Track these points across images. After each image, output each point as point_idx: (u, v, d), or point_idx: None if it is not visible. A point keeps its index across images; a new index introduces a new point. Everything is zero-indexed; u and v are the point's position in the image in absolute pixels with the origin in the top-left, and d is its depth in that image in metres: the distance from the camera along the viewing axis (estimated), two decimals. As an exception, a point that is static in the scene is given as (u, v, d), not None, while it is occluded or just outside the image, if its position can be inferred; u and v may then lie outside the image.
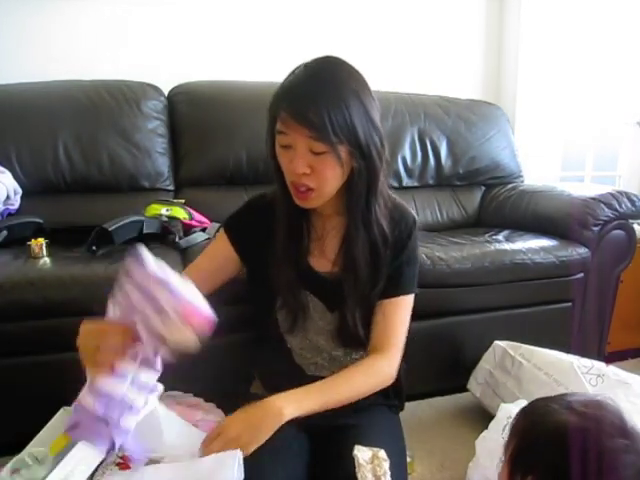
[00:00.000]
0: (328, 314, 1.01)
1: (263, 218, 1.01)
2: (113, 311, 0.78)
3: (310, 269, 1.01)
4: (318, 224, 1.02)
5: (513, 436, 0.77)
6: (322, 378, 0.98)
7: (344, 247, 0.98)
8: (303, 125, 0.83)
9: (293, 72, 0.90)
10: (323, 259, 1.01)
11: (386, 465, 0.81)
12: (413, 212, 1.05)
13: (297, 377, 1.03)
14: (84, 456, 0.77)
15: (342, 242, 0.99)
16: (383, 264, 0.98)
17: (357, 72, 0.92)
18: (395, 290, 1.01)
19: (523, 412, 0.82)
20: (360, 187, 0.92)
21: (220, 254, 1.06)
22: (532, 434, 0.74)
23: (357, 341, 1.01)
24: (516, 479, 0.72)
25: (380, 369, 0.97)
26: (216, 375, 1.18)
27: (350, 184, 0.92)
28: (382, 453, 0.83)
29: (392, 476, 0.82)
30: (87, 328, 0.80)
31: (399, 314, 1.01)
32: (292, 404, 0.86)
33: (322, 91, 0.84)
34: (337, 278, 0.99)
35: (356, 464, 0.81)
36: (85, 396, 0.78)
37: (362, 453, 0.83)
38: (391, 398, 1.08)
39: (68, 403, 1.10)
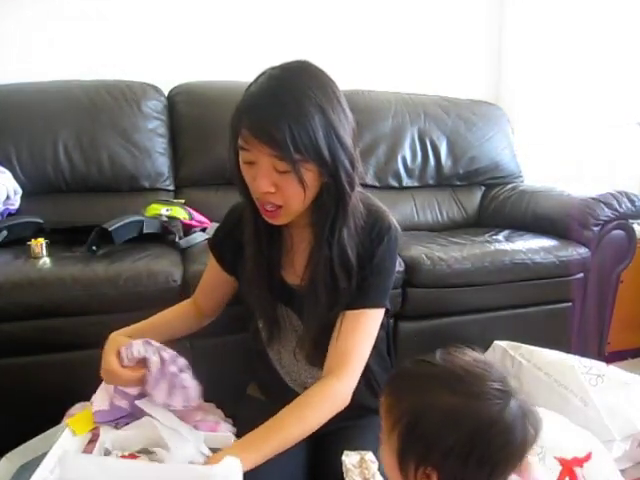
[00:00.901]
0: (299, 322, 0.99)
1: (239, 230, 0.97)
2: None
3: (283, 281, 0.98)
4: (287, 236, 0.97)
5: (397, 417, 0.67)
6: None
7: (309, 263, 0.92)
8: (265, 143, 0.78)
9: (256, 80, 0.84)
10: (292, 271, 0.97)
11: (374, 467, 0.81)
12: (394, 221, 0.95)
13: (287, 389, 1.02)
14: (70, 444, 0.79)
15: (310, 253, 0.92)
16: (342, 289, 0.90)
17: (327, 82, 0.84)
18: (358, 301, 0.91)
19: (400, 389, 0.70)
20: (328, 205, 0.86)
21: (214, 273, 1.07)
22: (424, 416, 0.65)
23: (318, 356, 0.95)
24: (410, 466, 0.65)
25: (334, 394, 0.88)
26: (216, 375, 1.18)
27: (318, 201, 0.87)
28: (370, 455, 0.82)
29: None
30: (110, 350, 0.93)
31: (360, 330, 0.91)
32: (245, 463, 0.76)
33: (284, 106, 0.78)
34: (305, 290, 0.94)
35: (344, 469, 0.81)
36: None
37: (350, 457, 0.83)
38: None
39: (68, 403, 1.11)
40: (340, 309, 0.92)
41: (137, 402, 0.92)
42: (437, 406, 0.63)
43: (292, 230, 0.96)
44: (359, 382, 0.99)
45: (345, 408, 0.92)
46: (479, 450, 0.62)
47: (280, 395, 0.98)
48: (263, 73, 0.84)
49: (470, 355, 0.69)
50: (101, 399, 0.99)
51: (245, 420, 1.01)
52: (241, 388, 1.15)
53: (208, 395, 1.08)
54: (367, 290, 0.92)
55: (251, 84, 0.84)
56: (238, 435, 0.98)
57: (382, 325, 1.00)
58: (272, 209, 0.85)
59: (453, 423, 0.62)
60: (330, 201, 0.86)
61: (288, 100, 0.78)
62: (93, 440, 0.94)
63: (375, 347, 0.97)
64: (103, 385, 1.03)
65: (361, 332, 0.92)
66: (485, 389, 0.63)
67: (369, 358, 0.95)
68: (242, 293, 1.04)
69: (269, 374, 1.05)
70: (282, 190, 0.82)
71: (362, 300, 0.92)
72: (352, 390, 0.90)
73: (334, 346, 0.91)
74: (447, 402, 0.63)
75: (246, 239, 0.94)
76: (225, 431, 0.98)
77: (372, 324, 0.94)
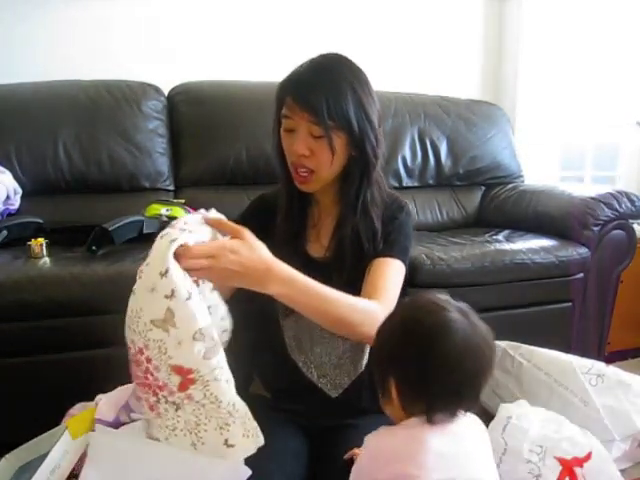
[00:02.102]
0: None
1: (264, 217, 1.03)
2: None
3: (307, 254, 1.03)
4: (315, 212, 1.05)
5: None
6: (316, 378, 1.00)
7: (336, 232, 1.01)
8: (304, 109, 0.90)
9: (300, 65, 0.98)
10: (318, 245, 1.03)
11: None
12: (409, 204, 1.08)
13: (295, 378, 1.03)
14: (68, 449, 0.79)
15: (335, 227, 1.02)
16: (367, 255, 0.98)
17: (359, 70, 0.98)
18: (384, 251, 0.98)
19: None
20: (354, 175, 0.97)
21: None
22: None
23: None
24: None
25: (372, 306, 0.90)
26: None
27: (345, 172, 0.97)
28: None
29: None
30: None
31: (390, 272, 0.97)
32: (280, 282, 0.79)
33: (322, 80, 0.92)
34: (331, 262, 1.00)
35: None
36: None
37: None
38: None
39: (68, 403, 1.11)
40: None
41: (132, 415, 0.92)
42: (393, 324, 0.77)
43: (320, 205, 1.04)
44: (361, 383, 1.00)
45: (346, 407, 0.93)
46: (424, 356, 0.72)
47: (287, 385, 0.99)
48: (305, 61, 0.99)
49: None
50: (107, 409, 0.99)
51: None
52: (242, 388, 1.15)
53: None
54: (392, 244, 1.00)
55: (295, 68, 0.97)
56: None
57: None
58: (305, 174, 0.94)
59: (404, 334, 0.74)
60: (356, 171, 0.96)
61: (326, 78, 0.93)
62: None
63: None
64: (113, 394, 1.03)
65: (389, 275, 0.97)
66: (439, 311, 0.75)
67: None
68: None
69: (276, 358, 1.04)
70: (315, 154, 0.92)
71: (388, 250, 0.99)
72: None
73: (367, 285, 0.95)
74: (398, 319, 0.77)
75: (279, 208, 1.02)
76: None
77: (397, 274, 0.99)
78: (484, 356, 0.74)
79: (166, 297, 0.67)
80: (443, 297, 0.80)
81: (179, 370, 0.69)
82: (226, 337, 0.80)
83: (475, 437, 0.77)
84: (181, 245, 0.68)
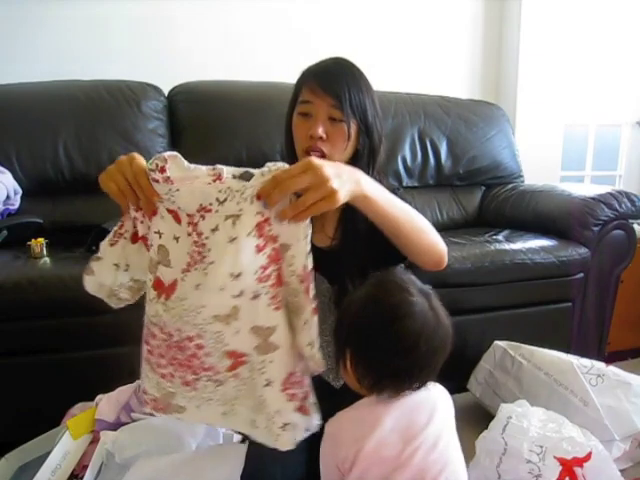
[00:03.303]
0: (329, 287, 1.03)
1: None
2: None
3: (312, 244, 1.02)
4: None
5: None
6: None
7: (343, 220, 1.03)
8: (327, 93, 0.95)
9: (321, 60, 1.03)
10: (322, 235, 1.03)
11: None
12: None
13: None
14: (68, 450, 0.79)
15: (340, 218, 1.04)
16: (374, 241, 0.96)
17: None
18: None
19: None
20: (362, 164, 0.99)
21: None
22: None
23: None
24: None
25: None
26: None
27: (353, 160, 1.00)
28: None
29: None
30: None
31: None
32: (369, 184, 0.80)
33: (344, 72, 0.99)
34: (336, 251, 1.02)
35: None
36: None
37: None
38: None
39: (68, 403, 1.11)
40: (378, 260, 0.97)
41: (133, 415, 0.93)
42: (356, 298, 0.80)
43: None
44: None
45: (349, 400, 0.93)
46: (380, 336, 0.75)
47: None
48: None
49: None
50: (107, 410, 0.99)
51: None
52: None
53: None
54: None
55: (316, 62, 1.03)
56: (243, 435, 0.98)
57: None
58: (318, 155, 0.95)
59: (364, 310, 0.77)
60: (363, 161, 1.01)
61: (347, 71, 1.00)
62: (94, 441, 0.94)
63: None
64: (113, 394, 1.03)
65: None
66: (398, 291, 0.78)
67: None
68: None
69: None
70: (331, 139, 0.96)
71: None
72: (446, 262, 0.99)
73: None
74: (363, 294, 0.80)
75: None
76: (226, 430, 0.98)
77: None
78: (440, 339, 0.78)
79: (234, 297, 0.68)
80: (408, 277, 0.83)
81: (232, 354, 0.72)
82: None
83: (434, 408, 0.80)
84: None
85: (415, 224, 0.89)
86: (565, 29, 2.49)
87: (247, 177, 0.69)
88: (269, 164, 0.69)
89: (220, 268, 0.67)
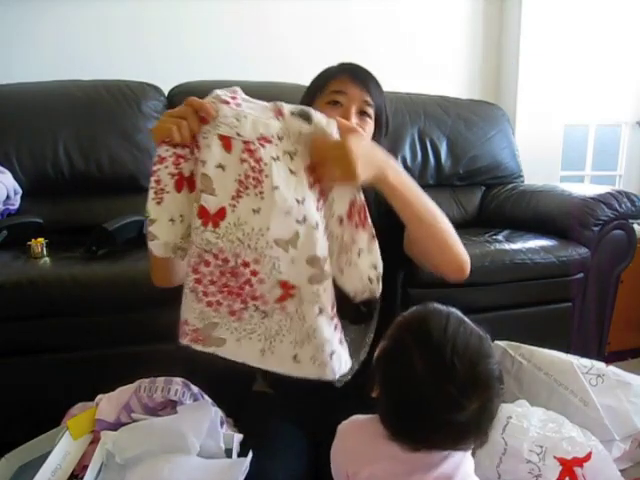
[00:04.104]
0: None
1: None
2: None
3: None
4: None
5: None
6: None
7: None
8: (363, 88, 0.97)
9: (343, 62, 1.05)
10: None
11: None
12: None
13: None
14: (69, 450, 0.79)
15: None
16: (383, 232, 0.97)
17: None
18: None
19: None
20: None
21: None
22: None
23: (361, 313, 1.01)
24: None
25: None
26: (216, 375, 1.18)
27: None
28: None
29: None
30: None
31: None
32: (397, 174, 0.82)
33: (373, 77, 1.02)
34: None
35: None
36: None
37: None
38: None
39: (68, 403, 1.11)
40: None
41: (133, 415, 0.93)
42: (405, 361, 0.68)
43: None
44: (363, 376, 1.00)
45: (349, 401, 0.93)
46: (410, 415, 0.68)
47: (296, 380, 0.99)
48: None
49: (478, 342, 0.73)
50: (108, 410, 0.99)
51: (252, 416, 1.01)
52: (243, 387, 1.15)
53: (209, 394, 1.09)
54: None
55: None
56: (244, 434, 0.98)
57: None
58: None
59: (403, 382, 0.68)
60: None
61: (374, 77, 1.02)
62: (94, 441, 0.94)
63: None
64: (113, 394, 1.03)
65: None
66: (444, 386, 0.65)
67: None
68: None
69: None
70: (361, 129, 0.95)
71: None
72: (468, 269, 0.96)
73: None
74: (413, 364, 0.67)
75: None
76: (227, 430, 0.99)
77: None
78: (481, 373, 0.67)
79: (297, 222, 0.73)
80: (454, 318, 0.76)
81: (284, 285, 0.75)
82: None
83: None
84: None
85: (438, 224, 0.88)
86: (565, 29, 2.49)
87: (305, 116, 0.76)
88: (320, 116, 0.76)
89: (287, 192, 0.72)
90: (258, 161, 0.71)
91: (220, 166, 0.71)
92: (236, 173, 0.71)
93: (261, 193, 0.71)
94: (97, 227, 1.40)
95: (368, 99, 0.97)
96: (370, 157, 0.78)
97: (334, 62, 1.09)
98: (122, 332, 1.26)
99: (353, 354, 1.04)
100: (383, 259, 0.92)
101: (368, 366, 1.04)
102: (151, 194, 0.73)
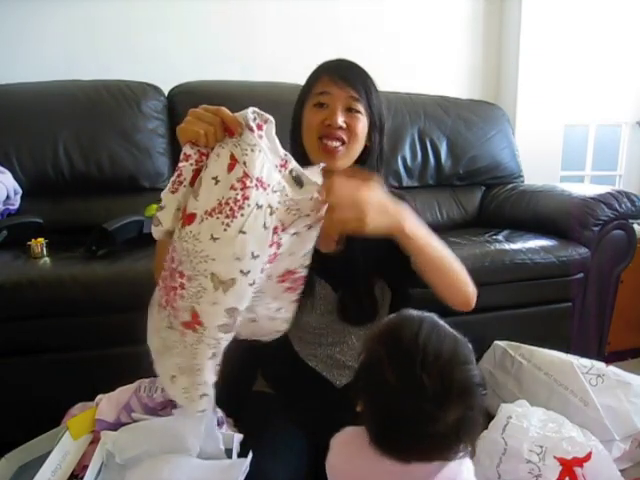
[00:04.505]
0: (332, 294, 1.02)
1: None
2: None
3: (315, 250, 1.02)
4: None
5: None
6: (318, 367, 1.01)
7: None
8: (346, 85, 0.95)
9: (331, 59, 1.03)
10: (327, 240, 1.01)
11: None
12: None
13: (300, 371, 1.03)
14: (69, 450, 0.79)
15: None
16: (379, 245, 0.97)
17: None
18: None
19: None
20: (372, 162, 1.01)
21: None
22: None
23: (364, 315, 1.02)
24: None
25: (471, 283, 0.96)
26: (218, 374, 1.18)
27: (364, 157, 1.01)
28: None
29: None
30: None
31: None
32: (413, 223, 0.84)
33: (360, 70, 1.00)
34: (341, 257, 1.00)
35: None
36: None
37: None
38: None
39: (68, 403, 1.11)
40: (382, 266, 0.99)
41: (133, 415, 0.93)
42: (379, 373, 0.67)
43: None
44: None
45: (349, 400, 0.93)
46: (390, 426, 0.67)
47: (290, 375, 0.99)
48: None
49: (453, 347, 0.69)
50: (108, 410, 0.99)
51: (252, 416, 1.01)
52: (243, 387, 1.15)
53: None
54: None
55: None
56: (244, 434, 0.98)
57: None
58: (337, 145, 0.96)
59: (378, 395, 0.68)
60: (374, 158, 1.01)
61: (362, 70, 1.00)
62: (94, 441, 0.94)
63: None
64: (113, 394, 1.03)
65: None
66: (418, 398, 0.64)
67: None
68: None
69: (287, 358, 1.05)
70: (351, 127, 0.96)
71: None
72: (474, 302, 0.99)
73: None
74: (386, 378, 0.66)
75: None
76: (227, 430, 0.99)
77: None
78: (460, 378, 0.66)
79: (241, 272, 0.72)
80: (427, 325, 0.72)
81: (194, 316, 0.75)
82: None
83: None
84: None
85: (448, 264, 0.90)
86: (565, 29, 2.49)
87: (298, 180, 0.75)
88: (316, 193, 0.75)
89: (249, 242, 0.71)
90: (245, 198, 0.70)
91: (214, 179, 0.71)
92: (221, 194, 0.70)
93: (228, 226, 0.70)
94: (97, 227, 1.40)
95: (354, 94, 0.95)
96: (384, 207, 0.79)
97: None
98: (122, 332, 1.26)
99: (354, 357, 1.05)
100: (392, 273, 0.97)
101: None
102: (169, 185, 0.74)
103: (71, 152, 1.76)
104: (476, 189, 2.28)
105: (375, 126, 0.99)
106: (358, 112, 0.96)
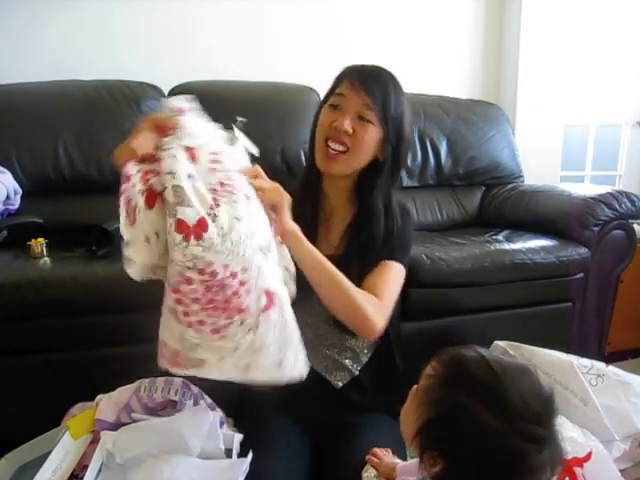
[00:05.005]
0: None
1: None
2: None
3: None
4: (326, 208, 1.05)
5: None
6: (318, 368, 1.01)
7: (347, 232, 1.02)
8: (363, 92, 0.94)
9: (365, 64, 1.02)
10: (326, 242, 1.03)
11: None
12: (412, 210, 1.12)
13: None
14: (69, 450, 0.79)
15: (347, 227, 1.03)
16: (373, 254, 1.00)
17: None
18: (390, 253, 1.00)
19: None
20: (381, 175, 1.00)
21: None
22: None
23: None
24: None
25: (372, 301, 0.92)
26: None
27: (372, 169, 1.00)
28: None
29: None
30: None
31: (390, 275, 0.99)
32: (299, 235, 0.86)
33: (387, 80, 1.00)
34: (339, 260, 0.99)
35: None
36: None
37: (368, 472, 0.84)
38: (387, 397, 1.09)
39: (68, 403, 1.11)
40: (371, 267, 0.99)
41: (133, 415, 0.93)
42: (472, 419, 0.62)
43: (331, 202, 1.05)
44: (363, 377, 1.01)
45: (349, 402, 0.93)
46: (493, 475, 0.62)
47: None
48: None
49: (524, 373, 0.66)
50: (108, 410, 0.99)
51: (252, 416, 1.02)
52: (243, 387, 1.14)
53: (209, 395, 1.09)
54: (395, 247, 1.01)
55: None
56: (244, 434, 0.98)
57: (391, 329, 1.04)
58: (338, 149, 0.96)
59: (478, 444, 0.61)
60: (384, 172, 1.00)
61: (390, 79, 1.00)
62: (94, 441, 0.94)
63: (384, 352, 1.03)
64: (113, 394, 1.03)
65: (389, 277, 0.98)
66: (522, 425, 0.61)
67: (377, 361, 1.01)
68: None
69: None
70: (357, 134, 0.95)
71: (391, 253, 1.00)
72: (383, 323, 0.92)
73: (366, 286, 0.95)
74: (482, 420, 0.61)
75: (295, 192, 1.02)
76: (227, 430, 0.99)
77: (397, 276, 1.00)
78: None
79: (266, 229, 0.77)
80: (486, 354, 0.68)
81: (267, 292, 0.75)
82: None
83: None
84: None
85: (330, 277, 0.88)
86: (565, 29, 2.49)
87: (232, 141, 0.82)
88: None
89: (255, 200, 0.75)
90: (227, 171, 0.72)
91: (190, 176, 0.69)
92: (207, 182, 0.70)
93: (236, 202, 0.71)
94: (97, 227, 1.40)
95: (368, 102, 0.94)
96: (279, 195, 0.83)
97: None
98: (122, 332, 1.26)
99: (353, 358, 1.05)
100: None
101: (367, 369, 1.04)
102: (123, 215, 0.70)
103: (71, 152, 1.76)
104: (476, 189, 2.28)
105: (389, 139, 0.97)
106: (369, 121, 0.95)
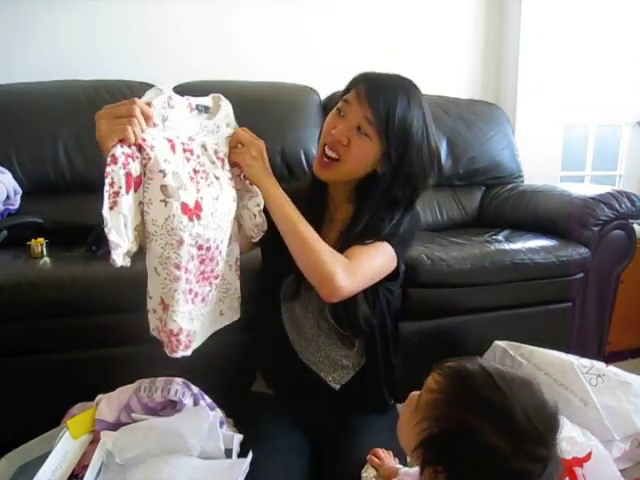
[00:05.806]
0: None
1: None
2: None
3: None
4: (331, 207, 1.06)
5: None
6: (317, 368, 1.01)
7: (343, 235, 1.00)
8: (367, 104, 0.91)
9: (383, 72, 0.98)
10: (328, 239, 1.01)
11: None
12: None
13: (299, 371, 1.04)
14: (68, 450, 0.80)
15: (343, 229, 1.02)
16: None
17: (427, 108, 0.98)
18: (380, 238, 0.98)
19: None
20: (375, 189, 0.97)
21: None
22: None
23: (351, 321, 1.00)
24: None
25: (342, 258, 0.90)
26: (216, 375, 1.18)
27: (367, 182, 0.98)
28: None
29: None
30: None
31: (372, 249, 0.95)
32: (272, 179, 0.90)
33: (401, 91, 0.93)
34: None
35: None
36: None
37: (368, 472, 0.84)
38: (386, 397, 1.09)
39: (68, 403, 1.11)
40: None
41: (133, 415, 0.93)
42: (478, 439, 0.61)
43: (334, 200, 1.05)
44: (362, 378, 1.01)
45: (348, 403, 0.93)
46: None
47: (289, 377, 1.01)
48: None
49: (529, 389, 0.68)
50: (108, 410, 0.99)
51: (252, 416, 1.02)
52: (242, 388, 1.15)
53: (208, 395, 1.09)
54: (392, 234, 0.97)
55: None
56: (244, 434, 0.98)
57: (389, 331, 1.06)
58: (331, 157, 0.95)
59: (484, 464, 0.61)
60: (379, 187, 0.97)
61: (403, 93, 0.93)
62: (94, 441, 0.94)
63: (382, 352, 1.02)
64: (113, 394, 1.03)
65: (370, 249, 0.95)
66: (528, 447, 0.60)
67: (379, 360, 1.01)
68: (275, 249, 0.99)
69: (285, 355, 1.05)
70: (350, 146, 0.93)
71: (385, 237, 0.96)
72: (349, 289, 0.89)
73: (346, 252, 0.94)
74: (489, 442, 0.60)
75: (304, 189, 1.06)
76: (227, 431, 0.99)
77: (381, 252, 0.96)
78: None
79: (234, 201, 0.85)
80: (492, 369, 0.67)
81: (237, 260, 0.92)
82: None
83: None
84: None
85: (307, 244, 0.88)
86: (565, 29, 2.49)
87: (206, 108, 0.92)
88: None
89: (224, 178, 0.83)
90: (197, 158, 0.80)
91: (176, 165, 0.76)
92: (186, 171, 0.77)
93: (211, 184, 0.80)
94: (97, 227, 1.40)
95: (369, 116, 0.91)
96: (260, 161, 0.88)
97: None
98: (122, 332, 1.26)
99: (352, 358, 1.05)
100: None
101: (365, 369, 1.04)
102: (106, 200, 0.70)
103: (71, 152, 1.76)
104: (476, 189, 2.28)
105: (389, 157, 0.93)
106: (366, 135, 0.92)
